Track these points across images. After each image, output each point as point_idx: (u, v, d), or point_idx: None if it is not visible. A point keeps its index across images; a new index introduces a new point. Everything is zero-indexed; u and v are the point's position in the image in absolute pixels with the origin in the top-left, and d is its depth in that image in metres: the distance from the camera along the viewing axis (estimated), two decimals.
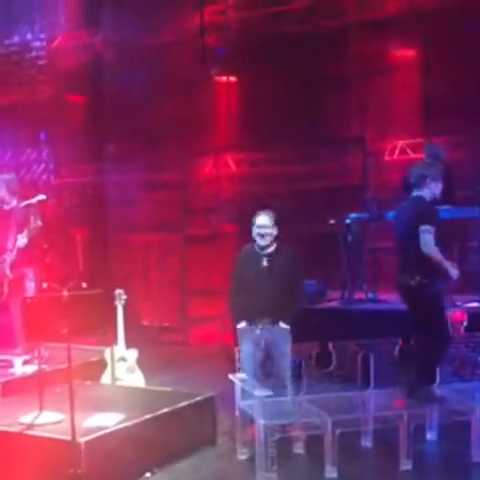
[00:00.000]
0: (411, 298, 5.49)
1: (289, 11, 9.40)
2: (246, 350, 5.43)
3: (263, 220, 5.50)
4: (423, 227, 5.23)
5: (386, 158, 8.42)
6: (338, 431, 4.80)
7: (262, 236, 5.47)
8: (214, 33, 10.09)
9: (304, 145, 9.09)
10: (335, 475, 4.77)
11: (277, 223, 5.52)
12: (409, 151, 8.85)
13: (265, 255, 5.53)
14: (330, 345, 5.50)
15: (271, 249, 5.52)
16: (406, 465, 4.89)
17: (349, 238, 7.51)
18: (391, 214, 7.23)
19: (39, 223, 6.45)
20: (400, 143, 8.87)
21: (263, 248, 5.52)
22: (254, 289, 5.47)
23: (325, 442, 4.81)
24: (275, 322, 5.41)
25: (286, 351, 5.38)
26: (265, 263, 5.52)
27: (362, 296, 7.56)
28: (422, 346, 5.40)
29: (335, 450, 4.79)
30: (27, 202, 6.16)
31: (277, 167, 9.42)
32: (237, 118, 9.56)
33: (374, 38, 8.97)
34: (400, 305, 7.20)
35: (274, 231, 5.49)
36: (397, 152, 8.86)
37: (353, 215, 7.56)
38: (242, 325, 5.49)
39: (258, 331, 5.43)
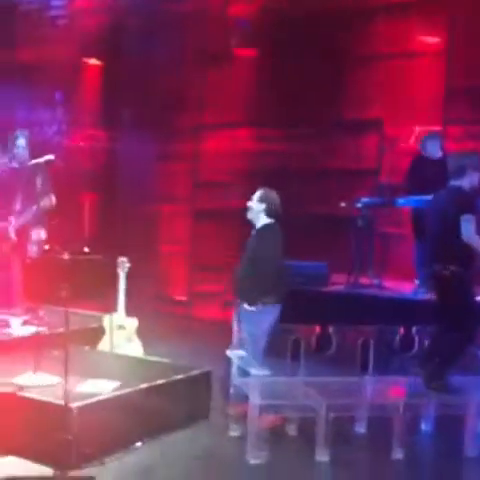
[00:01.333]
0: (442, 288, 5.41)
1: None
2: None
3: (254, 195, 5.62)
4: (465, 216, 5.18)
5: (401, 144, 8.27)
6: (332, 415, 4.78)
7: (247, 209, 5.60)
8: (239, 4, 9.93)
9: (321, 124, 8.97)
10: (326, 458, 4.76)
11: (264, 200, 5.58)
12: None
13: (254, 230, 5.63)
14: (331, 329, 5.44)
15: (257, 226, 5.61)
16: (398, 454, 4.87)
17: (359, 222, 7.43)
18: (402, 201, 7.17)
19: (52, 202, 6.41)
20: (417, 129, 8.73)
21: (251, 222, 5.61)
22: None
23: (318, 425, 4.79)
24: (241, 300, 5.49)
25: (249, 331, 5.41)
26: (250, 237, 5.63)
27: (367, 281, 7.51)
28: (447, 337, 5.32)
29: (328, 434, 4.77)
30: (35, 161, 6.10)
31: (292, 145, 9.31)
32: (255, 93, 9.43)
33: (399, 21, 8.80)
34: (404, 293, 7.21)
35: (258, 207, 5.56)
36: (413, 138, 8.72)
37: (364, 199, 7.46)
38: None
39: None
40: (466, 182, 5.35)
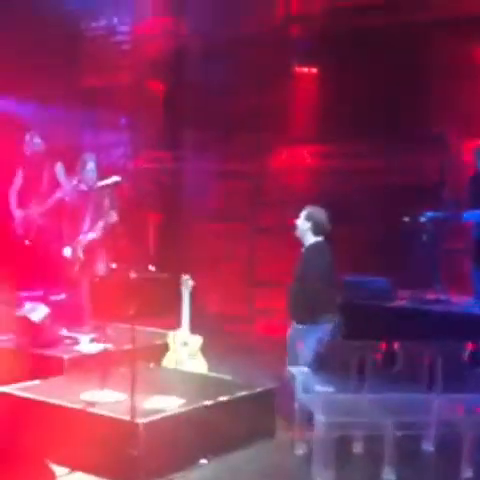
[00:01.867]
0: None
1: (375, 4, 9.20)
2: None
3: (300, 214, 5.67)
4: None
5: (464, 157, 8.11)
6: (399, 433, 4.68)
7: (295, 228, 5.65)
8: (298, 24, 9.99)
9: (382, 140, 8.90)
10: (393, 478, 4.66)
11: (310, 218, 5.60)
12: None
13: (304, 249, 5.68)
14: (397, 345, 5.35)
15: (305, 244, 5.65)
16: (467, 473, 4.74)
17: (424, 237, 7.32)
18: (467, 215, 7.03)
19: (113, 218, 6.57)
20: None
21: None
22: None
23: (385, 443, 4.70)
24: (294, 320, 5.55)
25: (299, 350, 5.43)
26: (300, 258, 5.68)
27: (434, 297, 7.37)
28: None
29: (394, 452, 4.68)
30: (103, 183, 6.26)
31: (353, 162, 9.27)
32: (315, 110, 9.45)
33: (461, 36, 8.69)
34: (473, 308, 7.04)
35: (305, 225, 5.60)
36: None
37: (429, 213, 7.35)
38: None
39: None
40: None
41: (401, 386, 5.28)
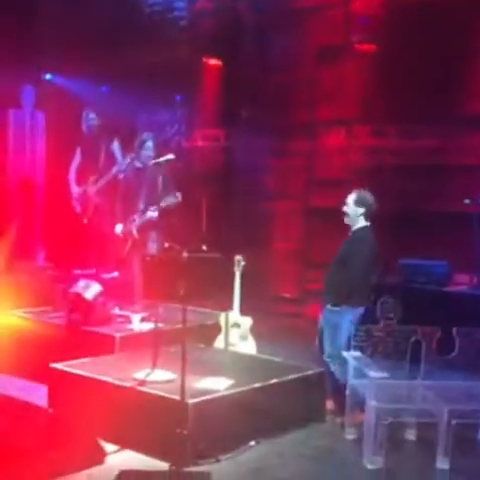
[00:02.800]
0: None
1: None
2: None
3: (348, 198, 5.53)
4: None
5: None
6: (454, 421, 4.57)
7: (344, 215, 5.53)
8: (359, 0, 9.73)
9: (439, 120, 8.64)
10: (447, 466, 4.57)
11: (363, 204, 5.47)
12: None
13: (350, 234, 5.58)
14: (454, 330, 5.20)
15: (353, 228, 5.54)
16: None
17: None
18: None
19: (178, 199, 6.53)
20: None
21: (350, 227, 5.56)
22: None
23: (439, 431, 4.61)
24: (325, 301, 5.47)
25: (332, 332, 5.38)
26: (344, 243, 5.58)
27: None
28: None
29: (449, 441, 4.56)
30: (156, 161, 6.22)
31: (411, 141, 9.03)
32: (372, 88, 9.21)
33: None
34: None
35: (355, 211, 5.47)
36: None
37: None
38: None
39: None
40: None
41: (457, 373, 5.15)
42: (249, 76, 10.14)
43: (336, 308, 5.37)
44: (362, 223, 5.52)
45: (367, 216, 5.50)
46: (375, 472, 4.54)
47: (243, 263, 6.38)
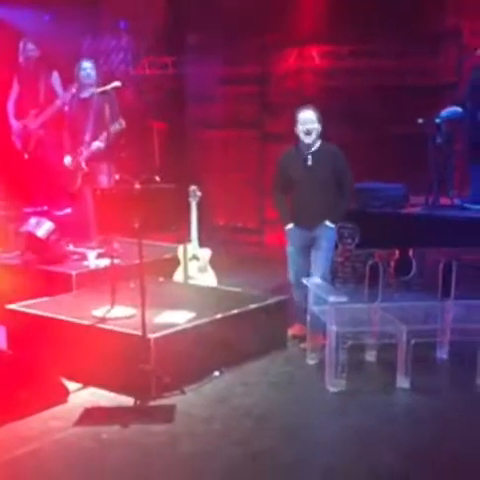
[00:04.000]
0: None
1: None
2: (290, 252, 5.50)
3: (308, 115, 5.35)
4: None
5: None
6: (413, 341, 4.65)
7: (307, 133, 5.33)
8: None
9: (394, 38, 8.50)
10: (407, 385, 4.67)
11: (320, 121, 5.35)
12: None
13: (310, 154, 5.38)
14: (410, 252, 5.23)
15: (315, 147, 5.39)
16: None
17: (438, 139, 7.05)
18: None
19: (122, 125, 6.31)
20: None
21: (308, 146, 5.37)
22: (300, 190, 5.45)
23: (399, 352, 4.69)
24: (322, 222, 5.38)
25: (326, 248, 5.36)
26: (310, 162, 5.39)
27: (448, 202, 7.19)
28: None
29: (409, 360, 4.65)
30: (102, 89, 6.00)
31: (365, 62, 8.90)
32: (323, 7, 8.98)
33: None
34: None
35: (319, 127, 5.34)
36: None
37: (444, 113, 7.05)
38: (289, 226, 5.49)
39: (304, 233, 5.45)
40: None
41: (415, 294, 5.22)
42: (195, 0, 9.81)
43: (333, 226, 5.36)
44: (319, 140, 5.42)
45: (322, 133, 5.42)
46: (337, 395, 4.62)
47: (199, 193, 6.27)
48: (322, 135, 5.43)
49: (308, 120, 5.33)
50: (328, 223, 5.37)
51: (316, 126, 5.33)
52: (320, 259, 5.37)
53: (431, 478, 3.65)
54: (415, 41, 8.46)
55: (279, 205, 5.61)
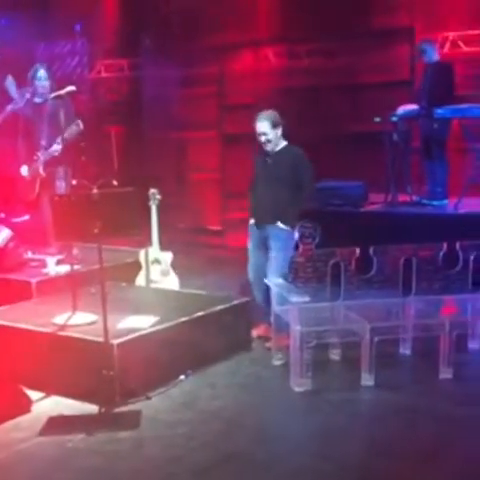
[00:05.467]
0: None
1: None
2: (249, 249, 5.55)
3: (261, 127, 5.39)
4: None
5: (438, 51, 7.83)
6: (376, 338, 4.68)
7: (264, 143, 5.41)
8: None
9: (349, 37, 8.58)
10: (371, 383, 4.70)
11: (276, 125, 5.38)
12: (461, 44, 8.27)
13: (271, 154, 5.47)
14: (371, 250, 5.27)
15: (277, 149, 5.45)
16: (446, 374, 4.79)
17: (395, 137, 7.14)
18: (440, 111, 6.84)
19: (80, 126, 6.23)
20: (451, 35, 8.28)
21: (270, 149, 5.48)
22: (259, 187, 5.51)
23: (362, 349, 4.71)
24: (275, 221, 5.38)
25: (277, 247, 5.35)
26: (270, 162, 5.46)
27: (406, 199, 7.28)
28: None
29: (372, 357, 4.69)
30: (56, 93, 5.91)
31: (320, 60, 8.96)
32: (278, 7, 9.02)
33: None
34: (446, 209, 6.98)
35: (275, 134, 5.38)
36: (448, 45, 8.28)
37: (400, 111, 7.14)
38: (250, 222, 5.56)
39: (258, 231, 5.49)
40: None
41: (377, 291, 5.26)
42: (150, 1, 9.76)
43: (287, 228, 5.34)
44: (283, 142, 5.45)
45: (283, 134, 5.43)
46: (303, 394, 4.63)
47: (158, 196, 6.24)
48: (286, 136, 5.46)
49: (261, 132, 5.40)
50: (279, 223, 5.38)
51: (270, 136, 5.38)
52: (272, 259, 5.37)
53: (401, 473, 3.67)
54: (369, 39, 8.54)
55: (248, 202, 5.68)
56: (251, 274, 5.52)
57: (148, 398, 4.54)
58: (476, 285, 5.31)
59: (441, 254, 5.34)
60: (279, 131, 5.40)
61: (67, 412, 4.43)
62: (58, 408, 4.49)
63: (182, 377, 4.84)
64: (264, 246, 5.44)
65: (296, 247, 5.32)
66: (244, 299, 5.49)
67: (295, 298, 4.73)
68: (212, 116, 9.73)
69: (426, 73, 7.22)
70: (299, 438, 4.12)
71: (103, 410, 4.34)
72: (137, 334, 4.67)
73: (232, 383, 4.85)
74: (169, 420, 4.30)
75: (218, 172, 9.70)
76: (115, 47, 10.25)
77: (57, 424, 4.27)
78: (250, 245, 5.55)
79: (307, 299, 4.73)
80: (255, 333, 5.53)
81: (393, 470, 3.68)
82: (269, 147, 5.42)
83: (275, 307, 5.10)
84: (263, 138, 5.38)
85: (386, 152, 7.22)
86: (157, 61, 9.66)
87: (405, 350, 5.23)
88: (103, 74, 10.39)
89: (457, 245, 5.35)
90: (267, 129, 5.37)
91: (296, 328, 4.69)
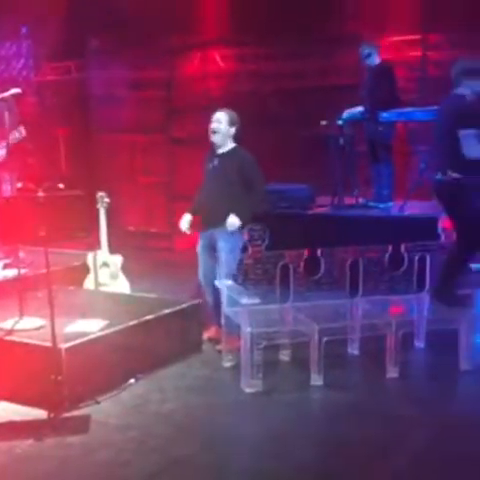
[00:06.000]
0: (442, 197, 5.30)
1: None
2: (198, 250, 5.54)
3: (217, 115, 5.38)
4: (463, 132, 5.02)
5: (382, 56, 7.98)
6: (325, 339, 4.75)
7: (214, 132, 5.36)
8: None
9: (296, 42, 8.67)
10: (320, 382, 4.75)
11: (234, 123, 5.37)
12: (403, 48, 8.46)
13: (218, 155, 5.43)
14: (319, 251, 5.34)
15: (224, 149, 5.41)
16: (393, 373, 4.87)
17: (341, 141, 7.25)
18: (385, 114, 6.98)
19: (22, 134, 6.13)
20: (395, 40, 8.46)
21: (216, 147, 5.41)
22: (206, 189, 5.48)
23: (311, 350, 4.77)
24: (223, 223, 5.32)
25: (224, 249, 5.32)
26: (216, 163, 5.43)
27: (353, 202, 7.39)
28: (452, 249, 5.28)
29: (321, 358, 4.75)
30: (0, 96, 5.82)
31: (267, 64, 9.04)
32: (225, 10, 9.06)
33: None
34: (392, 211, 7.12)
35: (228, 130, 5.35)
36: (392, 49, 8.45)
37: (345, 115, 7.25)
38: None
39: (205, 233, 5.47)
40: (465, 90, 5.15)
41: (325, 293, 5.33)
42: (97, 3, 9.68)
43: (236, 231, 5.30)
44: (232, 144, 5.44)
45: (235, 137, 5.44)
46: (254, 395, 4.65)
47: (107, 199, 6.20)
48: (238, 140, 5.46)
49: (215, 119, 5.37)
50: (226, 225, 5.33)
51: (222, 127, 5.34)
52: (222, 261, 5.35)
53: (352, 471, 3.71)
54: (316, 43, 8.66)
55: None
56: (201, 276, 5.53)
57: (97, 402, 4.50)
58: (421, 285, 5.44)
59: (387, 256, 5.45)
60: (232, 130, 5.38)
61: (15, 418, 4.36)
62: (6, 414, 4.41)
63: (132, 381, 4.81)
64: (213, 248, 5.45)
65: (245, 249, 5.35)
66: (194, 302, 5.49)
67: (245, 300, 4.76)
68: (161, 119, 9.71)
69: (369, 76, 7.35)
70: (250, 440, 4.14)
71: (52, 415, 4.28)
72: (86, 338, 4.62)
73: (182, 386, 4.84)
74: (119, 424, 4.27)
75: (166, 175, 9.67)
76: (62, 49, 10.13)
77: (5, 430, 4.21)
78: (199, 248, 5.55)
79: (257, 301, 4.76)
80: (206, 335, 5.54)
81: (344, 469, 3.73)
82: (214, 139, 5.36)
83: (225, 309, 5.12)
84: (215, 125, 5.33)
85: (332, 156, 7.32)
86: (105, 63, 9.59)
87: (353, 350, 5.31)
88: (49, 76, 10.26)
89: (402, 247, 5.46)
90: (222, 119, 5.34)
91: (246, 330, 4.72)
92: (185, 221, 5.56)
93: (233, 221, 5.28)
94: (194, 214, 5.56)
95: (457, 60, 5.39)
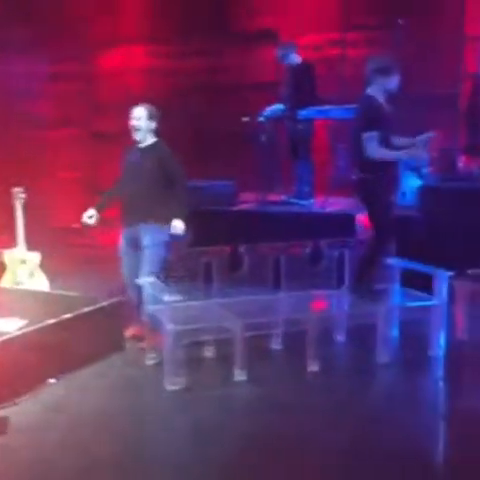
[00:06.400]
0: (358, 194, 5.41)
1: None
2: (121, 248, 5.44)
3: (136, 112, 5.33)
4: (367, 134, 5.11)
5: (300, 54, 8.07)
6: (248, 334, 4.77)
7: (134, 129, 5.33)
8: None
9: (218, 39, 8.69)
10: (244, 378, 4.77)
11: (152, 118, 5.34)
12: (323, 47, 8.58)
13: (139, 150, 5.38)
14: (242, 248, 5.37)
15: (145, 144, 5.37)
16: (313, 366, 4.93)
17: (262, 137, 7.30)
18: (304, 112, 7.08)
19: None
20: (314, 38, 8.58)
21: (138, 143, 5.37)
22: (125, 186, 5.41)
23: (235, 345, 4.78)
24: (146, 220, 5.26)
25: (148, 246, 5.24)
26: (138, 156, 5.38)
27: (275, 198, 7.46)
28: (367, 244, 5.39)
29: (245, 353, 4.77)
30: None
31: (187, 61, 9.03)
32: (148, 7, 9.00)
33: None
34: (313, 208, 7.23)
35: (148, 125, 5.33)
36: (311, 48, 8.56)
37: (266, 112, 7.32)
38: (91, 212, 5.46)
39: (128, 230, 5.39)
40: (375, 89, 5.26)
41: (249, 288, 5.37)
42: None
43: (162, 226, 5.22)
44: (153, 138, 5.39)
45: (155, 132, 5.39)
46: (177, 393, 4.63)
47: (23, 195, 6.04)
48: (158, 134, 5.41)
49: (135, 117, 5.32)
50: (151, 222, 5.27)
51: (142, 123, 5.30)
52: (144, 258, 5.27)
53: (274, 467, 3.73)
54: (235, 40, 8.69)
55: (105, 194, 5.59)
56: (125, 273, 5.44)
57: (15, 403, 4.38)
58: (340, 281, 5.54)
59: (307, 252, 5.53)
60: (152, 124, 5.34)
61: None
62: None
63: (52, 381, 4.72)
64: (136, 245, 5.38)
65: (169, 246, 5.32)
66: (115, 299, 5.41)
67: (167, 297, 4.73)
68: (82, 113, 9.54)
69: (290, 75, 7.42)
70: (173, 438, 4.11)
71: None
72: (2, 338, 4.50)
73: (104, 385, 4.77)
74: (39, 425, 4.17)
75: (87, 170, 9.52)
76: None
77: None
78: (122, 244, 5.47)
79: (179, 298, 4.75)
80: (129, 333, 5.48)
81: (267, 463, 3.76)
82: (137, 136, 5.32)
83: (148, 306, 5.07)
84: (135, 123, 5.29)
85: (254, 152, 7.37)
86: (26, 56, 9.33)
87: (276, 345, 5.36)
88: None
89: (322, 243, 5.55)
90: (142, 115, 5.29)
91: (169, 327, 4.69)
92: (86, 216, 5.46)
93: (179, 225, 5.18)
94: (100, 210, 5.48)
95: (369, 58, 5.50)
